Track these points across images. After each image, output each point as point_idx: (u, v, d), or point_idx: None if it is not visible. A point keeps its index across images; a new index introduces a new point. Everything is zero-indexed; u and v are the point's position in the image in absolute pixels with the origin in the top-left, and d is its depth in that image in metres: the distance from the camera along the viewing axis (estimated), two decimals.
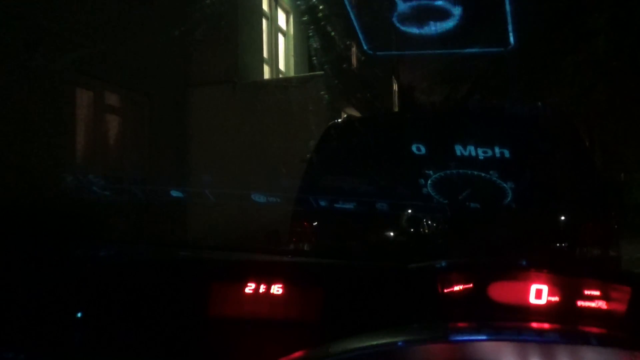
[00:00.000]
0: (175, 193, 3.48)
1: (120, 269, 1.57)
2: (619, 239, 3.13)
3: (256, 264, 1.63)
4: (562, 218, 3.15)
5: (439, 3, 2.85)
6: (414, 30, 3.01)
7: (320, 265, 1.63)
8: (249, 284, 1.44)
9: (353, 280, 1.49)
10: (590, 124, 13.30)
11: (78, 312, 1.40)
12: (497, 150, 2.87)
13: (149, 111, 7.94)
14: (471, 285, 1.41)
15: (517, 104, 3.76)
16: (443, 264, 1.51)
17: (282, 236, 3.79)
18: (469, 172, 2.96)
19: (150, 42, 7.43)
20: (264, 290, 1.43)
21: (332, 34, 9.92)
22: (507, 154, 2.87)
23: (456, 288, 1.42)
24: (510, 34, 3.11)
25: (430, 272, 1.47)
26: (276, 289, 1.43)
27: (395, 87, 18.23)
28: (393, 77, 17.25)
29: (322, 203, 3.01)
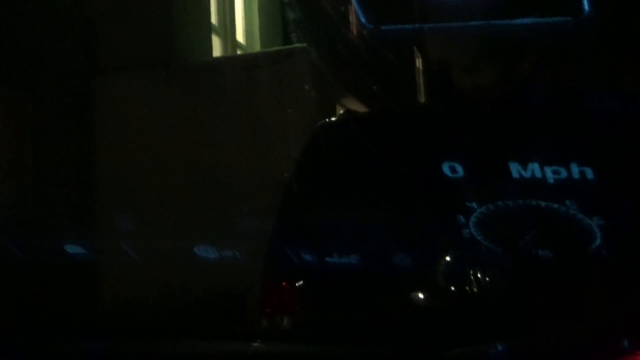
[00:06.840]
0: (72, 249, 2.69)
1: None
2: None
3: None
4: None
5: None
6: None
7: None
8: None
9: None
10: None
11: None
12: (575, 169, 2.44)
13: (31, 112, 6.95)
14: None
15: (598, 94, 3.31)
16: (499, 347, 1.28)
17: (251, 303, 3.19)
18: (534, 202, 2.56)
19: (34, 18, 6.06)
20: None
21: None
22: (590, 173, 2.45)
23: None
24: None
25: None
26: None
27: (419, 64, 14.83)
28: (416, 49, 14.07)
29: (307, 257, 2.58)
